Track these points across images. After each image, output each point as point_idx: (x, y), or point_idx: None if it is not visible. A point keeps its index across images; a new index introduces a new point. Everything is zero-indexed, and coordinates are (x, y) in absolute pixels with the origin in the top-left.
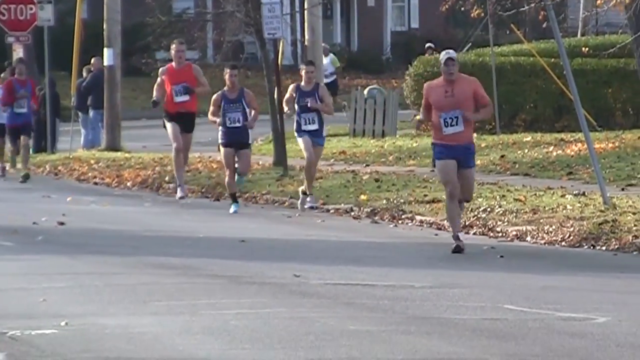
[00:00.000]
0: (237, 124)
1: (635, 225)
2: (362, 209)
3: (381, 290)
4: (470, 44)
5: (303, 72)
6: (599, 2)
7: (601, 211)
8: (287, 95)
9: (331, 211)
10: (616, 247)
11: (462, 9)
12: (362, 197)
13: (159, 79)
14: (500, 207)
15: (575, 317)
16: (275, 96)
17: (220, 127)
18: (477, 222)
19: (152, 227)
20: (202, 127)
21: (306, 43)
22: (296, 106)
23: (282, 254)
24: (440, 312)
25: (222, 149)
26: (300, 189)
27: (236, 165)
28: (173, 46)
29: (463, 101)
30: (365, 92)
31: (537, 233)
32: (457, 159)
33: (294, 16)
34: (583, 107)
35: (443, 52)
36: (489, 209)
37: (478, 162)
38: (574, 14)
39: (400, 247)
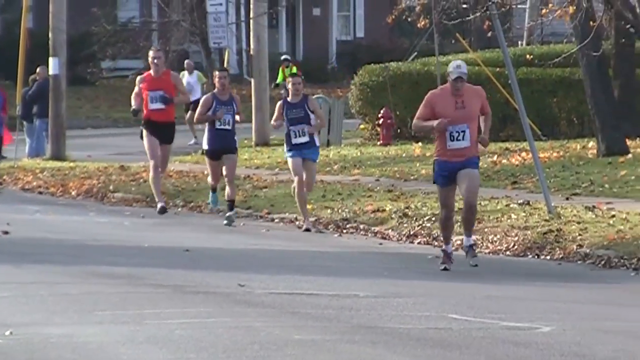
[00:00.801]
0: (227, 127)
1: (579, 235)
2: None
3: (326, 300)
4: (415, 53)
5: (290, 86)
6: (544, 11)
7: (546, 220)
8: (275, 114)
9: (276, 220)
10: (560, 256)
11: (408, 18)
12: (307, 206)
13: (136, 88)
14: None
15: (519, 327)
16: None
17: (206, 131)
18: (422, 232)
19: (97, 236)
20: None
21: (252, 52)
22: (285, 119)
23: (227, 263)
24: (384, 321)
25: (208, 160)
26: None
27: (224, 172)
28: (150, 53)
29: (473, 114)
30: None
31: (482, 242)
32: (459, 169)
33: (240, 25)
34: (528, 116)
35: (453, 64)
36: (434, 219)
37: (423, 171)
38: (520, 24)
39: (345, 256)
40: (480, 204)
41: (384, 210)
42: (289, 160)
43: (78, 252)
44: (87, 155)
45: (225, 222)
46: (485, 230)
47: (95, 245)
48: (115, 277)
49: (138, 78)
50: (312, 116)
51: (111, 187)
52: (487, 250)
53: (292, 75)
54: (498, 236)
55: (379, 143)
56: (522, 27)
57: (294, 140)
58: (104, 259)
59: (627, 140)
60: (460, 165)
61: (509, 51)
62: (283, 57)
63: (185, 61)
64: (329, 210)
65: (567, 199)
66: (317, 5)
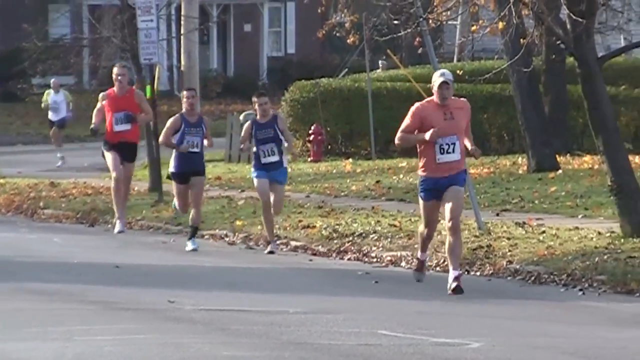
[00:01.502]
0: (196, 149)
1: (509, 251)
2: (237, 234)
3: (256, 316)
4: (347, 69)
5: (257, 106)
6: (474, 27)
7: (476, 236)
8: (242, 135)
9: (206, 237)
10: (490, 272)
11: (338, 34)
12: (237, 222)
13: (98, 104)
14: (375, 232)
15: (449, 343)
16: (151, 122)
17: (173, 153)
18: (352, 248)
19: (27, 252)
20: (77, 153)
21: (182, 68)
22: (253, 141)
23: (157, 279)
24: (314, 337)
25: (175, 184)
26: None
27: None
28: (114, 70)
29: (461, 125)
30: (241, 117)
31: (412, 258)
32: (447, 186)
33: (171, 42)
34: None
35: (437, 73)
36: (364, 235)
37: (353, 187)
38: (451, 40)
39: (275, 272)
40: (410, 220)
41: (314, 227)
42: (255, 181)
43: (8, 268)
44: (17, 171)
45: (191, 248)
46: (416, 246)
47: (25, 261)
48: (45, 294)
49: (101, 95)
50: (281, 136)
51: (41, 204)
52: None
53: (260, 95)
54: (428, 252)
55: (309, 159)
56: (453, 43)
57: (264, 160)
58: (34, 276)
59: (557, 156)
60: (447, 182)
61: (439, 67)
62: None
63: (52, 80)
64: (259, 227)
65: (498, 215)
66: (248, 22)
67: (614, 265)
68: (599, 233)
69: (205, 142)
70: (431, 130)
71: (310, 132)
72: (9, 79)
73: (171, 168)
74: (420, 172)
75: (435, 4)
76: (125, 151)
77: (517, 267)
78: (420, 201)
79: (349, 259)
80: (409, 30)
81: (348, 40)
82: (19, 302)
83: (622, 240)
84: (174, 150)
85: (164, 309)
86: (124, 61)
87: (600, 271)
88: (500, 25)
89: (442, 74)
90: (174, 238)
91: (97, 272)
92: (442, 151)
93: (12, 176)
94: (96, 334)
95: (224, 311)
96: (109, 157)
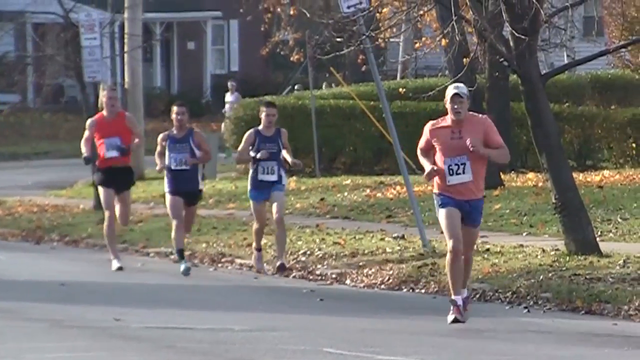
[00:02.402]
0: (185, 167)
1: None
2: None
3: (201, 334)
4: (290, 87)
5: (263, 115)
6: (417, 45)
7: (420, 254)
8: (242, 146)
9: (151, 255)
10: (435, 290)
11: (282, 52)
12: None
13: (86, 133)
14: (319, 250)
15: None
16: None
17: (165, 172)
18: (297, 265)
19: None
20: (22, 171)
21: (126, 86)
22: (251, 154)
23: (103, 297)
24: (259, 355)
25: (168, 196)
26: (253, 244)
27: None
28: (104, 93)
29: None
30: None
31: (357, 276)
32: (462, 212)
33: (115, 59)
34: (403, 150)
35: (450, 87)
36: (308, 252)
37: (298, 205)
38: (394, 57)
39: (220, 290)
40: (355, 237)
41: None
42: (252, 203)
43: None
44: None
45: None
46: (361, 264)
47: None
48: None
49: (89, 122)
50: (284, 152)
51: None
52: (362, 284)
53: (269, 104)
54: (373, 270)
55: None
56: (396, 60)
57: (261, 177)
58: None
59: (501, 173)
60: (468, 208)
61: (382, 85)
62: None
63: None
64: (204, 244)
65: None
66: (191, 39)
67: (559, 282)
68: (544, 250)
69: (197, 153)
70: (429, 168)
71: None
72: None
73: (165, 187)
74: (434, 191)
75: (378, 21)
76: (120, 178)
77: None
78: (441, 214)
79: (294, 277)
80: (352, 47)
81: (292, 58)
82: None
83: (567, 257)
84: (166, 171)
85: (110, 327)
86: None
87: (545, 289)
88: (444, 42)
89: (456, 87)
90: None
91: (43, 290)
92: (451, 172)
93: None
94: (43, 351)
95: (170, 329)
96: (102, 193)
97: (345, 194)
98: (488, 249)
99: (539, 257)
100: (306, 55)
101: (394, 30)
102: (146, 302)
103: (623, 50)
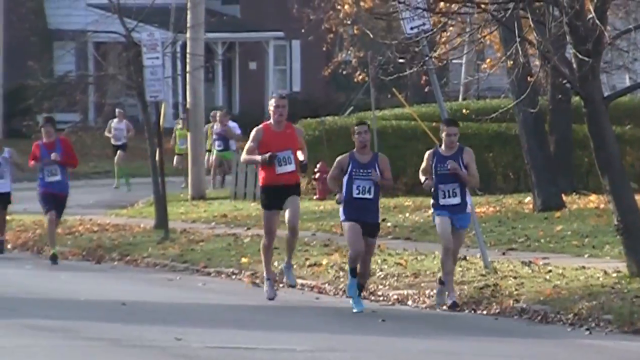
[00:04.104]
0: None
1: (516, 290)
2: (243, 272)
3: (262, 354)
4: (352, 107)
5: (443, 135)
6: (484, 66)
7: (482, 275)
8: (423, 166)
9: (212, 274)
10: (497, 311)
11: (344, 72)
12: (244, 260)
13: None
14: (381, 270)
15: None
16: (157, 158)
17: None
18: None
19: (33, 289)
20: (82, 190)
21: (188, 106)
22: (433, 173)
23: (163, 317)
24: None
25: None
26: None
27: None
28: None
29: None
30: None
31: (419, 297)
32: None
33: (176, 79)
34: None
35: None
36: (370, 273)
37: None
38: (456, 78)
39: (282, 310)
40: (416, 258)
41: (320, 265)
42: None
43: (13, 304)
44: (23, 208)
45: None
46: (422, 285)
47: (30, 298)
48: (50, 330)
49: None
50: (465, 171)
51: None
52: (423, 305)
53: (448, 122)
54: (435, 291)
55: (315, 197)
56: (458, 81)
57: (443, 201)
58: (40, 312)
59: (563, 195)
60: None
61: (445, 106)
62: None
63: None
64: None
65: (504, 253)
66: (253, 59)
67: (621, 304)
68: (605, 272)
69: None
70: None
71: (315, 170)
72: (14, 116)
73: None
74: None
75: (440, 42)
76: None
77: (524, 306)
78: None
79: None
80: (415, 68)
81: (355, 79)
82: (24, 339)
83: (629, 279)
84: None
85: (171, 346)
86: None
87: (607, 311)
88: (508, 64)
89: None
90: (180, 275)
91: (103, 309)
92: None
93: (18, 213)
94: None
95: (231, 349)
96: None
97: (407, 214)
98: (550, 271)
99: (600, 278)
100: (369, 76)
101: (456, 51)
102: (207, 322)
103: None
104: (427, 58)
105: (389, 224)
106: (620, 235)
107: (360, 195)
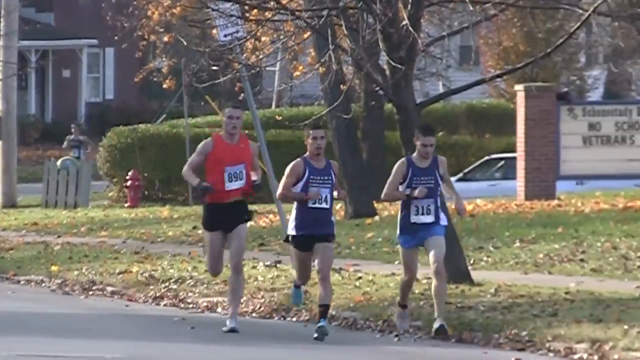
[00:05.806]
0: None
1: None
2: (53, 280)
3: None
4: (164, 115)
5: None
6: (296, 73)
7: (292, 282)
8: (392, 178)
9: (22, 282)
10: (307, 318)
11: (155, 79)
12: (53, 268)
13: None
14: (191, 278)
15: None
16: None
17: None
18: (168, 294)
19: None
20: None
21: (0, 114)
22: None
23: None
24: None
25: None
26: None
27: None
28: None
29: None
30: (59, 163)
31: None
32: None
33: None
34: (276, 177)
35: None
36: (180, 280)
37: (170, 233)
38: (270, 86)
39: (92, 318)
40: (227, 266)
41: (130, 272)
42: (401, 251)
43: None
44: None
45: (315, 335)
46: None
47: None
48: None
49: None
50: (441, 184)
51: None
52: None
53: (425, 130)
54: (245, 298)
55: (126, 205)
56: (272, 89)
57: (414, 218)
58: None
59: (374, 202)
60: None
61: (258, 113)
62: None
63: None
64: (75, 272)
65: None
66: (67, 67)
67: (430, 311)
68: (417, 280)
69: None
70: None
71: (127, 177)
72: None
73: (290, 231)
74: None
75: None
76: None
77: (334, 312)
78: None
79: (165, 305)
80: (229, 76)
81: (164, 85)
82: None
83: None
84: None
85: None
86: None
87: (417, 317)
88: (320, 70)
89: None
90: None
91: None
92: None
93: None
94: None
95: (41, 357)
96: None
97: None
98: (360, 277)
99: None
100: (181, 83)
101: (270, 58)
102: (17, 330)
103: (498, 79)
104: (240, 65)
105: (199, 232)
106: None
107: (317, 205)
